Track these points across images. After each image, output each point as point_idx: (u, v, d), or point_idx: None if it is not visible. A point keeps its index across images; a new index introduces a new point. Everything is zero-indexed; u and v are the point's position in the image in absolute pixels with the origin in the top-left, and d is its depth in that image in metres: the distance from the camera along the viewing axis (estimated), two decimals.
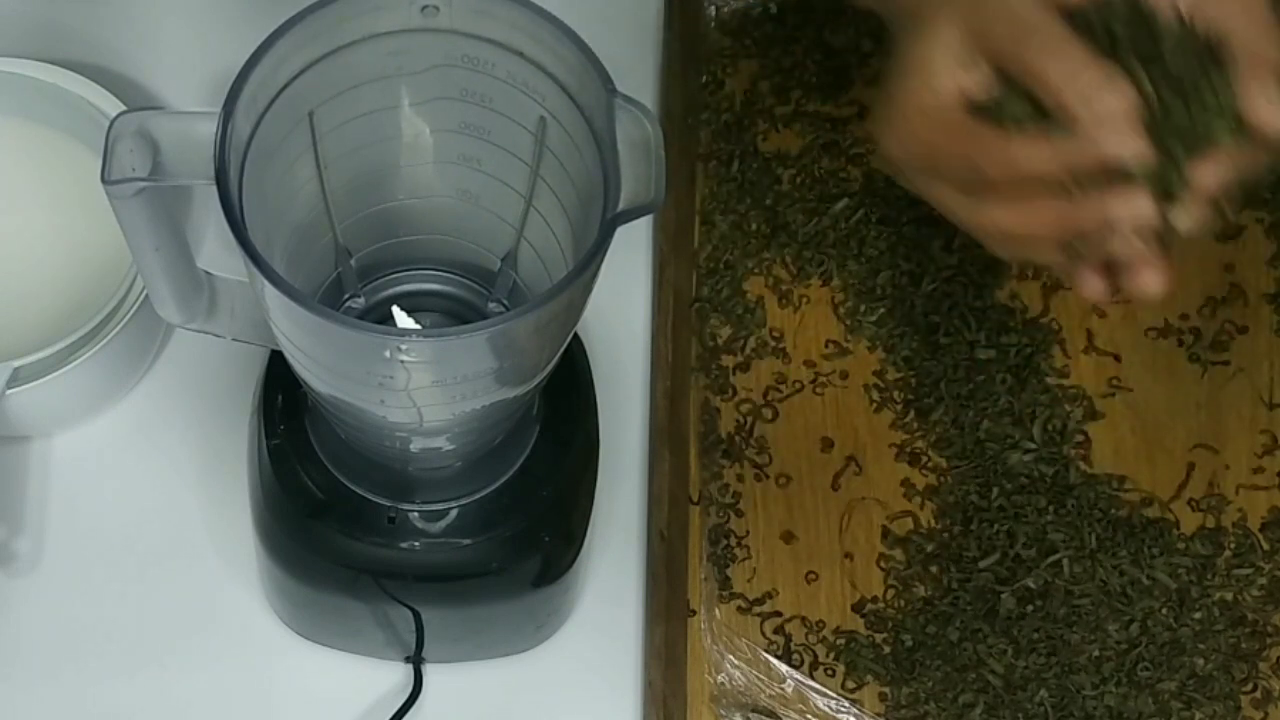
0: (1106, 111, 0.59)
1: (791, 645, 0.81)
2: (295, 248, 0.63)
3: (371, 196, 0.65)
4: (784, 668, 0.80)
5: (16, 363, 0.77)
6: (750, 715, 0.79)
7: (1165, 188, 0.60)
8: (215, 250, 0.86)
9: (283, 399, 0.71)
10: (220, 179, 0.55)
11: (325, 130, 0.61)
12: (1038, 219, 0.62)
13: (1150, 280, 0.62)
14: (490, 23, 0.58)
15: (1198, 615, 0.81)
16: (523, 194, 0.64)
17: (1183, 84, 0.60)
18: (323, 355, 0.60)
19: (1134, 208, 0.59)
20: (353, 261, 0.67)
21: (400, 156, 0.64)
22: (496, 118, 0.61)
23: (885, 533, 0.83)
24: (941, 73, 0.62)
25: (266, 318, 0.59)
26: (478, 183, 0.64)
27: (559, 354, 0.63)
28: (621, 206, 0.56)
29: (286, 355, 0.62)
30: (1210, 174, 0.60)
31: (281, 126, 0.59)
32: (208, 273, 0.68)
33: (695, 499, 0.83)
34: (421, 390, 0.59)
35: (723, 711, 0.79)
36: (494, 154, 0.63)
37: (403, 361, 0.56)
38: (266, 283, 0.54)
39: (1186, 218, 0.60)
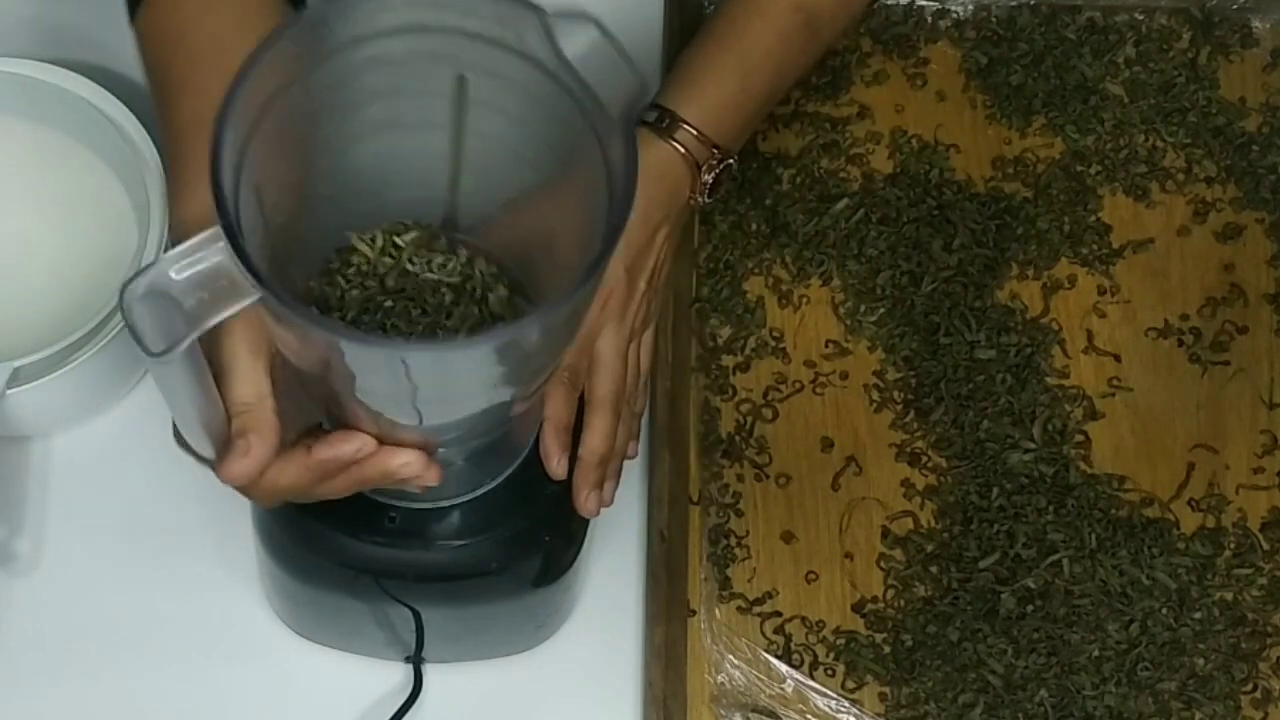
0: None
1: (791, 645, 0.81)
2: (294, 251, 0.63)
3: (372, 196, 0.65)
4: (784, 668, 0.80)
5: (16, 363, 0.77)
6: (750, 715, 0.79)
7: None
8: None
9: None
10: (228, 230, 0.53)
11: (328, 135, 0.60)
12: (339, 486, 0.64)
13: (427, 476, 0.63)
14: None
15: (1198, 615, 0.81)
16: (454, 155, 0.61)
17: None
18: (330, 367, 0.59)
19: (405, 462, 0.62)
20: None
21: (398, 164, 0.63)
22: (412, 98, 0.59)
23: (885, 533, 0.83)
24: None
25: (270, 332, 0.59)
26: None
27: (560, 354, 0.62)
28: (620, 110, 0.52)
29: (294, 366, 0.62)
30: None
31: (275, 145, 0.57)
32: None
33: (695, 499, 0.83)
34: (425, 398, 0.58)
35: (723, 711, 0.79)
36: (412, 125, 0.60)
37: (407, 372, 0.56)
38: (284, 309, 0.53)
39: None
